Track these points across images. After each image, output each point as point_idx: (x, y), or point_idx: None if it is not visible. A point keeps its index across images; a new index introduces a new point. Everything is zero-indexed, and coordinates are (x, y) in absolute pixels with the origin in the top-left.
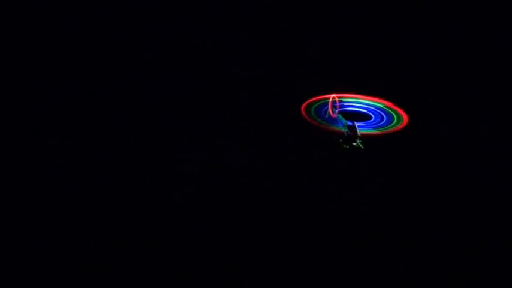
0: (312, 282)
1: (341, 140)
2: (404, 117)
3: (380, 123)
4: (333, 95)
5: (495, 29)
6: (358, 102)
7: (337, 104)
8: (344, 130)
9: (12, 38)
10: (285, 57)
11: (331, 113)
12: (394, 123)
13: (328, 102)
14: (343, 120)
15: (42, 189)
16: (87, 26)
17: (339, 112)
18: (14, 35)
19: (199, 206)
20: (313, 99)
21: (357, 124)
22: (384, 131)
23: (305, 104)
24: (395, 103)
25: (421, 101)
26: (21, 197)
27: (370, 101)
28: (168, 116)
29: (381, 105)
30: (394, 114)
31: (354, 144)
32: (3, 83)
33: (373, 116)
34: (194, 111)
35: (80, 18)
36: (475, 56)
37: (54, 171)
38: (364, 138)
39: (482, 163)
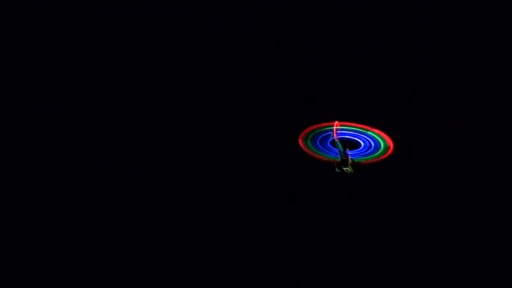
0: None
1: (335, 165)
2: (391, 146)
3: (368, 151)
4: (336, 122)
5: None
6: (350, 129)
7: (338, 130)
8: (337, 159)
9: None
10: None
11: (334, 136)
12: (380, 151)
13: (333, 128)
14: (340, 147)
15: None
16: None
17: (339, 139)
18: (14, 34)
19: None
20: (312, 128)
21: (348, 152)
22: (371, 160)
23: (303, 133)
24: (384, 131)
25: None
26: None
27: (361, 128)
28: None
29: (371, 133)
30: (381, 142)
31: (345, 169)
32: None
33: (362, 143)
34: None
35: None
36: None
37: None
38: (354, 164)
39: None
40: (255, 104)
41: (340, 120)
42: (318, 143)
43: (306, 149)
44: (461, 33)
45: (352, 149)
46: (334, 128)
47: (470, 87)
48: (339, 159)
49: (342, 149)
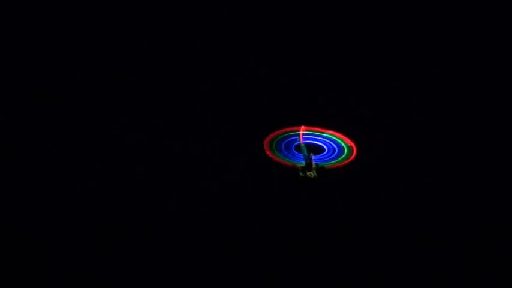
0: None
1: (299, 170)
2: (354, 151)
3: (331, 156)
4: (303, 126)
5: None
6: (315, 134)
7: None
8: (302, 165)
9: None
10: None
11: (300, 141)
12: (343, 156)
13: (299, 133)
14: (305, 151)
15: None
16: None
17: (304, 144)
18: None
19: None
20: (277, 132)
21: (312, 157)
22: (334, 164)
23: (268, 138)
24: (347, 136)
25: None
26: None
27: (326, 133)
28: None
29: (335, 138)
30: (345, 148)
31: (309, 173)
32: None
33: (326, 148)
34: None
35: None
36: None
37: None
38: (317, 169)
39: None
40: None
41: (306, 124)
42: (283, 148)
43: (271, 155)
44: (461, 34)
45: (316, 154)
46: (301, 132)
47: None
48: (303, 164)
49: (306, 154)
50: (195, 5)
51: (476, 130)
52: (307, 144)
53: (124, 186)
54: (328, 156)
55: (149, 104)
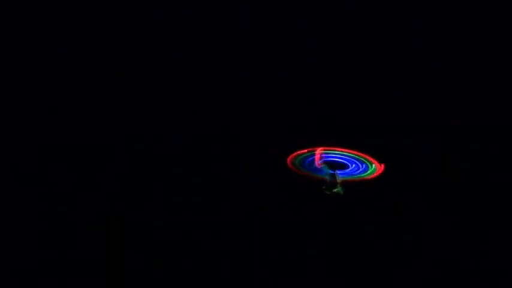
0: None
1: (324, 187)
2: (379, 167)
3: (357, 172)
4: (320, 148)
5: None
6: (338, 153)
7: (323, 155)
8: (327, 178)
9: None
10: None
11: (317, 164)
12: (370, 171)
13: (315, 154)
14: (326, 170)
15: None
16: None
17: (323, 162)
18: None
19: None
20: (300, 152)
21: (337, 172)
22: (361, 178)
23: (292, 156)
24: (372, 156)
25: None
26: None
27: (349, 153)
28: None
29: (359, 157)
30: (369, 164)
31: (335, 190)
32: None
33: (350, 165)
34: None
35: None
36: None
37: None
38: (344, 184)
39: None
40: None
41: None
42: (306, 165)
43: (296, 170)
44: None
45: (341, 170)
46: (317, 154)
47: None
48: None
49: (328, 172)
50: (195, 5)
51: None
52: (328, 162)
53: (124, 187)
54: (354, 171)
55: (149, 104)
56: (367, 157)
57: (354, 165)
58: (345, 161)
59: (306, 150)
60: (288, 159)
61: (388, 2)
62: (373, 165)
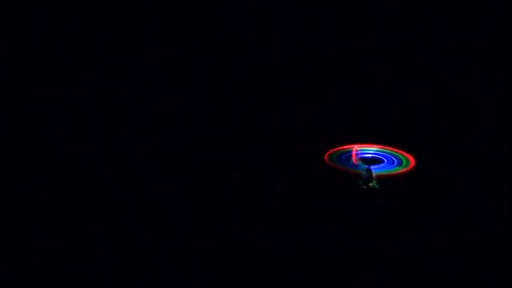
0: None
1: (360, 182)
2: (412, 160)
3: (391, 166)
4: (355, 146)
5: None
6: (372, 150)
7: (359, 152)
8: (362, 173)
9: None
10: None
11: (354, 160)
12: (404, 165)
13: (352, 152)
14: (362, 165)
15: None
16: None
17: (360, 159)
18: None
19: None
20: (336, 149)
21: (372, 167)
22: (395, 171)
23: (328, 153)
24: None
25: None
26: None
27: (382, 148)
28: None
29: (393, 152)
30: (403, 158)
31: (370, 184)
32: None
33: (385, 160)
34: None
35: None
36: None
37: None
38: (379, 179)
39: None
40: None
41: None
42: (343, 160)
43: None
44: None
45: (376, 165)
46: (353, 152)
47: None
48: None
49: (364, 168)
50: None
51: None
52: (363, 158)
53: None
54: (388, 166)
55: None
56: (402, 152)
57: (388, 160)
58: (380, 156)
59: (343, 147)
60: (325, 155)
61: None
62: (408, 159)
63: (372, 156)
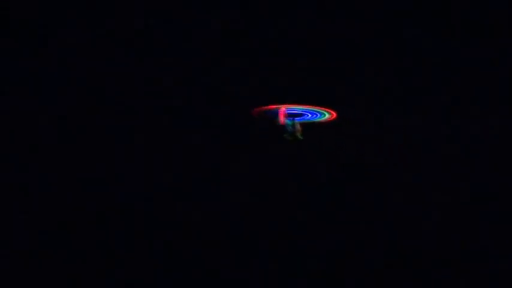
0: None
1: (285, 134)
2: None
3: (312, 118)
4: (283, 106)
5: None
6: (297, 108)
7: (286, 112)
8: (288, 128)
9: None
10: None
11: (281, 121)
12: (324, 117)
13: (279, 112)
14: (288, 121)
15: None
16: None
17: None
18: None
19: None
20: (265, 108)
21: (296, 120)
22: (316, 121)
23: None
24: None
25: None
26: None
27: (307, 108)
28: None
29: (315, 109)
30: (324, 113)
31: (296, 135)
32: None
33: (306, 114)
34: None
35: None
36: None
37: None
38: (302, 129)
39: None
40: None
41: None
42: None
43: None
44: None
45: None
46: (281, 112)
47: None
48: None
49: (290, 122)
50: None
51: None
52: (288, 114)
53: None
54: (310, 118)
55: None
56: (322, 108)
57: (310, 115)
58: (302, 112)
59: (272, 107)
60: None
61: None
62: (327, 113)
63: (298, 112)
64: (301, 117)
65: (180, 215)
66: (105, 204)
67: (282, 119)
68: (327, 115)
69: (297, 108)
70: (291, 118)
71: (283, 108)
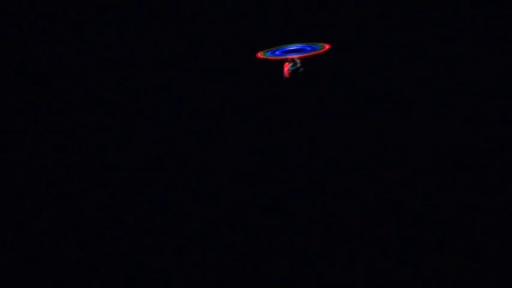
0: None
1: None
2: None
3: (310, 50)
4: (287, 63)
5: None
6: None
7: (289, 67)
8: (290, 68)
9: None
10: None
11: (286, 75)
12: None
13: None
14: (291, 63)
15: None
16: None
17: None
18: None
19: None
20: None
21: (295, 55)
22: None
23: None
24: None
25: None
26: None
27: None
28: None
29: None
30: (320, 45)
31: (298, 70)
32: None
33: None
34: None
35: None
36: None
37: None
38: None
39: None
40: None
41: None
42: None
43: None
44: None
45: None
46: (285, 68)
47: None
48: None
49: (292, 64)
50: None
51: None
52: (288, 50)
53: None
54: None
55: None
56: (319, 43)
57: (308, 49)
58: (301, 47)
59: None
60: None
61: None
62: (323, 45)
63: (297, 48)
64: (300, 53)
65: None
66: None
67: (286, 72)
68: (322, 46)
69: (294, 45)
70: (292, 59)
71: (287, 64)
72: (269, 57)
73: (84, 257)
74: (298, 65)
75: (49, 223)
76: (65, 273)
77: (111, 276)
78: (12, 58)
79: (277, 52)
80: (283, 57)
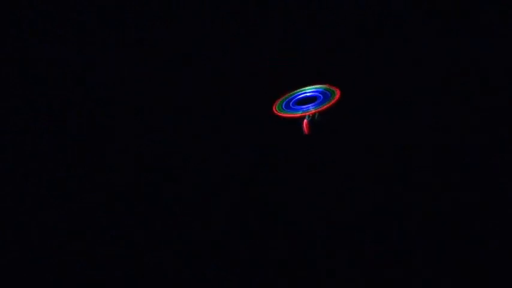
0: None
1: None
2: (337, 92)
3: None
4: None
5: None
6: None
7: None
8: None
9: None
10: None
11: (305, 131)
12: (331, 97)
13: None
14: (309, 117)
15: None
16: None
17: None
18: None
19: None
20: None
21: (311, 109)
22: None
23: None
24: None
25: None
26: None
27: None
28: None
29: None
30: (330, 92)
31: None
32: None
33: (317, 97)
34: None
35: None
36: None
37: None
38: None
39: None
40: None
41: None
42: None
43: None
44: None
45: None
46: (305, 123)
47: None
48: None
49: (309, 118)
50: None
51: None
52: (304, 99)
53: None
54: (322, 102)
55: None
56: (327, 85)
57: (321, 97)
58: (313, 95)
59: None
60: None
61: None
62: (334, 91)
63: (311, 95)
64: (315, 103)
65: None
66: None
67: (306, 129)
68: (335, 93)
69: (307, 90)
70: (309, 114)
71: (305, 120)
72: (288, 114)
73: (84, 256)
74: (316, 116)
75: (49, 223)
76: (65, 273)
77: (111, 276)
78: (12, 58)
79: (291, 104)
80: (302, 113)
